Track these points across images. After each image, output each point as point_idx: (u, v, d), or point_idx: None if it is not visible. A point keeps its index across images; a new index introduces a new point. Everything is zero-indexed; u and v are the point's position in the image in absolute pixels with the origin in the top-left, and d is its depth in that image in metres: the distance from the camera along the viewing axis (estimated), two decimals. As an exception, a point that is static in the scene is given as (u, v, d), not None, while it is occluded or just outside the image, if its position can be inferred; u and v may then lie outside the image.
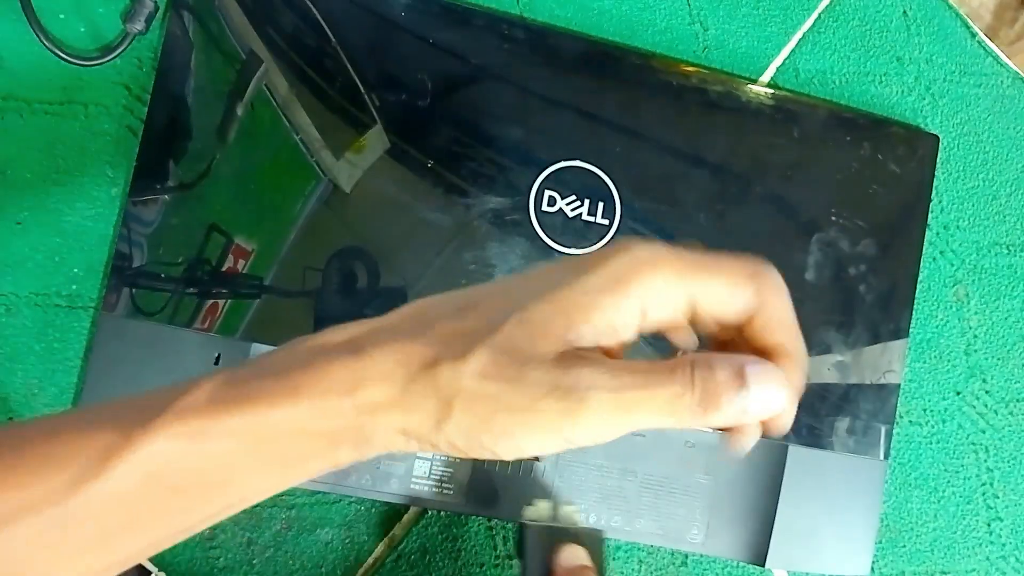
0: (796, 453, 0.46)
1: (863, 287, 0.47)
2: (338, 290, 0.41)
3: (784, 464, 0.46)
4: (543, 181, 0.44)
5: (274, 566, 0.43)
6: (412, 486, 0.42)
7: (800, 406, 0.43)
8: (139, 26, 0.42)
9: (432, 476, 0.42)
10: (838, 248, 0.47)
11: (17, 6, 0.41)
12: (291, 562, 0.44)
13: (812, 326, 0.46)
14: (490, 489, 0.43)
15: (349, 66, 0.43)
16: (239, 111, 0.42)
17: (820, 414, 0.46)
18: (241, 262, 0.41)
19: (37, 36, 0.41)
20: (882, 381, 0.47)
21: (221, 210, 0.41)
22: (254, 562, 0.43)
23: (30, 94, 0.43)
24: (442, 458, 0.43)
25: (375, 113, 0.43)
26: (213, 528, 0.43)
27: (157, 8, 0.43)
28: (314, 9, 0.43)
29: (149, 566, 0.43)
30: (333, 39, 0.43)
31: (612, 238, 0.44)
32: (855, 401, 0.47)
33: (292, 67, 0.42)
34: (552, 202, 0.44)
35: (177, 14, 0.42)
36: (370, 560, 0.44)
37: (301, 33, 0.43)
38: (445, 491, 0.43)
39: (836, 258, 0.47)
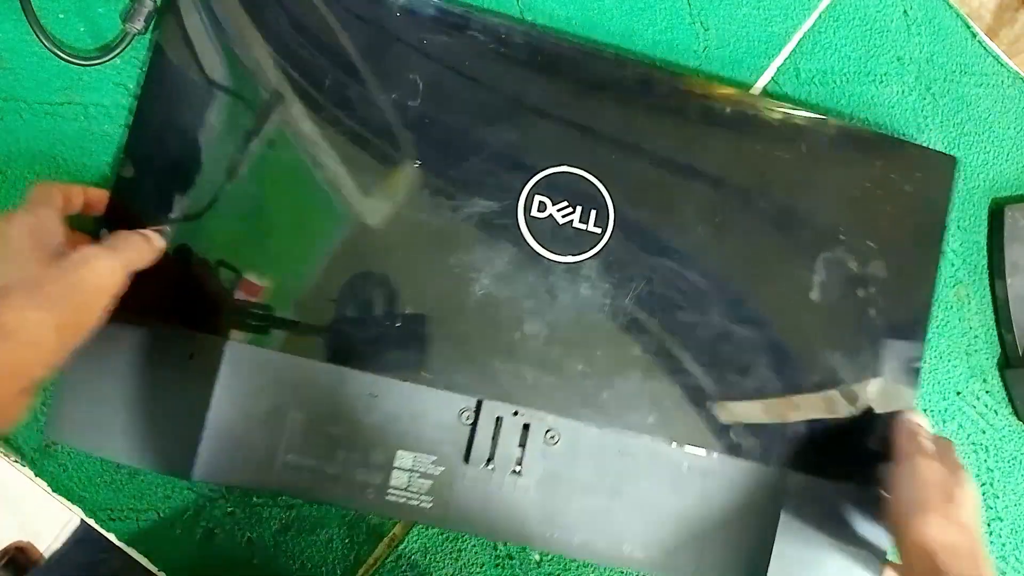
0: (796, 481, 0.43)
1: (873, 311, 0.45)
2: (318, 285, 0.41)
3: (783, 492, 0.43)
4: (534, 186, 0.43)
5: (274, 566, 0.43)
6: (388, 498, 0.40)
7: (801, 432, 0.44)
8: (138, 26, 0.42)
9: (411, 489, 0.41)
10: (846, 269, 0.45)
11: (17, 6, 0.41)
12: (291, 562, 0.44)
13: (817, 350, 0.44)
14: (471, 505, 0.41)
15: (356, 63, 0.42)
16: (248, 139, 0.41)
17: (823, 442, 0.44)
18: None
19: (37, 36, 0.41)
20: (892, 411, 0.45)
21: (226, 244, 0.41)
22: (254, 562, 0.43)
23: (30, 94, 0.43)
24: (422, 470, 0.41)
25: (363, 113, 0.42)
26: (212, 527, 0.43)
27: (157, 8, 0.43)
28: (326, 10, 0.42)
29: (149, 566, 0.43)
30: (323, 37, 0.42)
31: (604, 247, 0.43)
32: (862, 431, 0.44)
33: (308, 90, 0.41)
34: (542, 207, 0.42)
35: (169, 28, 0.42)
36: (370, 560, 0.44)
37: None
38: (423, 504, 0.41)
39: (844, 279, 0.45)
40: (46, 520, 1.06)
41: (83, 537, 0.56)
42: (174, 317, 0.40)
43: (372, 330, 0.41)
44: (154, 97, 0.42)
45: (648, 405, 0.42)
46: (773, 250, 0.45)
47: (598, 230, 0.43)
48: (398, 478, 0.41)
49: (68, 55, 0.42)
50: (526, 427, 0.42)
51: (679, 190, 0.44)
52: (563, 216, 0.43)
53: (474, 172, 0.42)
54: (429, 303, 0.41)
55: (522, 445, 0.42)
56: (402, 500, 0.41)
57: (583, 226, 0.43)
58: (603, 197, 0.43)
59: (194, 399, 0.39)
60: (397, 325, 0.41)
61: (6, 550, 1.05)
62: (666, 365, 0.43)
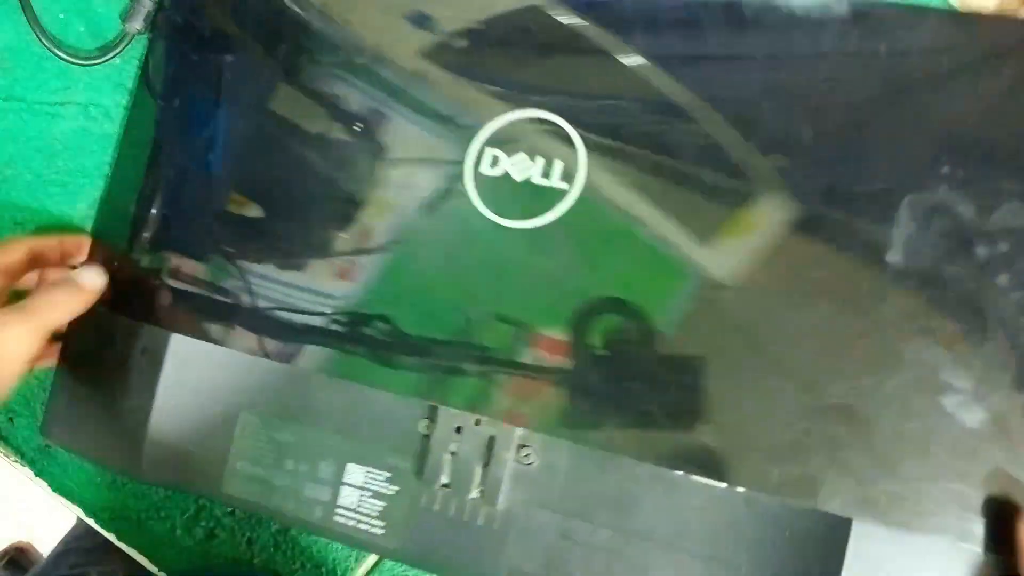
0: (866, 533, 0.28)
1: (1004, 278, 0.29)
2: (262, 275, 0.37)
3: (845, 547, 0.28)
4: (485, 136, 0.34)
5: (274, 566, 0.43)
6: (336, 519, 0.35)
7: (870, 463, 0.28)
8: (138, 26, 0.42)
9: (360, 510, 0.34)
10: (953, 216, 0.29)
11: (17, 6, 0.41)
12: (291, 562, 0.44)
13: (897, 341, 0.29)
14: (426, 536, 0.34)
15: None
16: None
17: (910, 477, 0.28)
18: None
19: (37, 36, 0.41)
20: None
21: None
22: (254, 562, 0.43)
23: (30, 94, 0.43)
24: (374, 489, 0.35)
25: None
26: (213, 527, 0.43)
27: (157, 8, 0.43)
28: None
29: (149, 566, 0.43)
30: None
31: (573, 207, 0.33)
32: (963, 467, 0.28)
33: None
34: (495, 162, 0.34)
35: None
36: (370, 560, 0.44)
37: None
38: (374, 530, 0.34)
39: (949, 232, 0.29)
40: (46, 520, 1.06)
41: (61, 551, 0.57)
42: (127, 308, 0.38)
43: (323, 325, 0.35)
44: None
45: (651, 421, 0.31)
46: (820, 196, 0.31)
47: (564, 185, 0.33)
48: (347, 496, 0.35)
49: (68, 55, 0.42)
50: (491, 440, 0.33)
51: (678, 122, 0.32)
52: (520, 171, 0.33)
53: (411, 128, 0.35)
54: (373, 292, 0.35)
55: (486, 464, 0.33)
56: (351, 523, 0.34)
57: (545, 181, 0.33)
58: (570, 141, 0.33)
59: (142, 395, 0.37)
60: (338, 318, 0.35)
61: (6, 550, 1.05)
62: (665, 364, 0.31)
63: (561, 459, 0.33)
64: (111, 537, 0.43)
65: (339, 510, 0.35)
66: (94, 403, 0.39)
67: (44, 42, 0.41)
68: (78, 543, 0.54)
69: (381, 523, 0.34)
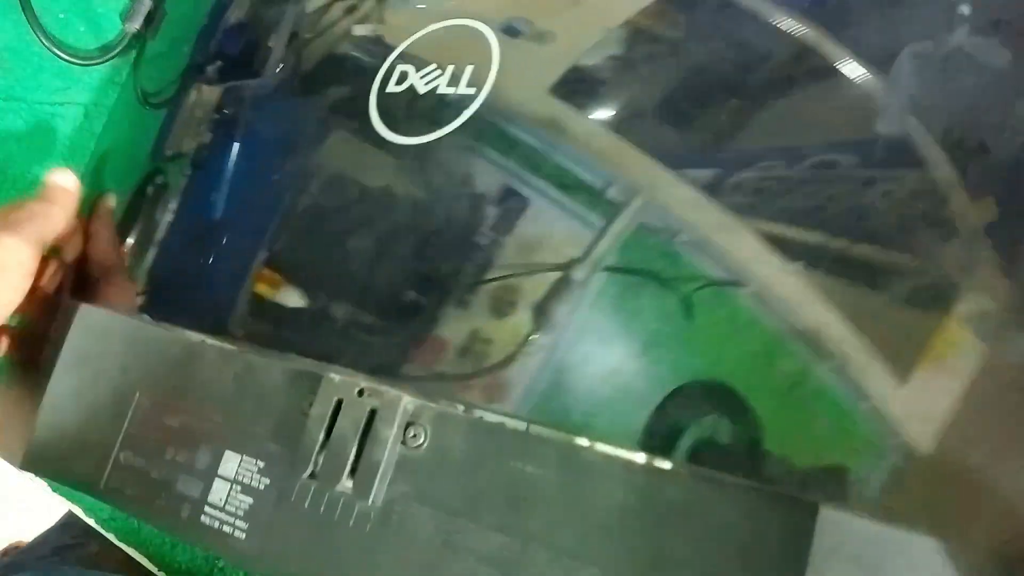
0: (834, 522, 0.19)
1: None
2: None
3: (809, 543, 0.19)
4: (397, 56, 0.29)
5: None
6: (203, 519, 0.27)
7: (839, 437, 0.20)
8: (138, 26, 0.42)
9: (228, 508, 0.27)
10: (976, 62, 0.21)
11: (17, 6, 0.41)
12: (291, 562, 0.43)
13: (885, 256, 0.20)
14: (290, 544, 0.26)
15: None
16: None
17: (903, 436, 0.19)
18: None
19: (37, 36, 0.41)
20: None
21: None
22: (254, 562, 0.43)
23: (30, 94, 0.43)
24: (244, 482, 0.27)
25: None
26: (213, 528, 0.43)
27: (156, 8, 0.43)
28: None
29: (149, 566, 0.43)
30: None
31: (473, 117, 0.26)
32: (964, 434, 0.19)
33: None
34: (403, 78, 0.28)
35: None
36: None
37: None
38: (237, 533, 0.27)
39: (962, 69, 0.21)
40: (46, 520, 1.06)
41: (66, 521, 0.57)
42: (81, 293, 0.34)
43: (212, 284, 0.30)
44: None
45: (578, 381, 0.24)
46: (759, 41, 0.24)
47: (471, 90, 0.27)
48: (218, 491, 0.28)
49: (68, 55, 0.42)
50: (372, 415, 0.25)
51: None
52: (427, 82, 0.28)
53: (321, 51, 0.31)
54: (289, 249, 0.30)
55: (360, 447, 0.25)
56: (215, 524, 0.27)
57: (451, 89, 0.27)
58: (484, 40, 0.27)
59: (48, 371, 0.31)
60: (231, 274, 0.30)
61: (6, 550, 1.05)
62: (600, 309, 0.24)
63: (458, 441, 0.24)
64: (111, 537, 0.43)
65: (207, 508, 0.28)
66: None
67: (44, 42, 0.41)
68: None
69: (244, 525, 0.27)
